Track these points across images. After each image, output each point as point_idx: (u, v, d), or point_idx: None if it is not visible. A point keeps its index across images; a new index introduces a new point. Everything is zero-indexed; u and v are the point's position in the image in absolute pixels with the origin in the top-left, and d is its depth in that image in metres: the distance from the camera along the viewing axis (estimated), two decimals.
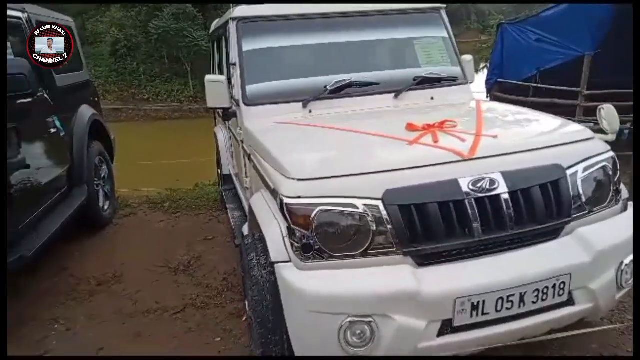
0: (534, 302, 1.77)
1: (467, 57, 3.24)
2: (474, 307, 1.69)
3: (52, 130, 3.40)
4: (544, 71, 6.37)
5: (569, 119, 5.50)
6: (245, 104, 2.73)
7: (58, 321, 2.88)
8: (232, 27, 2.90)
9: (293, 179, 1.80)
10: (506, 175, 1.83)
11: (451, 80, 3.01)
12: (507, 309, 1.74)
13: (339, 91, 2.76)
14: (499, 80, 7.32)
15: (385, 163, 1.85)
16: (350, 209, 1.72)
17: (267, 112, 2.68)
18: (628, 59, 5.74)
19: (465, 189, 1.78)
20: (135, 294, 3.20)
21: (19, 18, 3.34)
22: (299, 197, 1.74)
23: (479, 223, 1.77)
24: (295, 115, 2.65)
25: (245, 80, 2.77)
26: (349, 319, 1.63)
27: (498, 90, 7.45)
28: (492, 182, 1.81)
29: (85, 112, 4.14)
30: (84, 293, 3.23)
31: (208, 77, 2.87)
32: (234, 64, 2.85)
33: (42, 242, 2.96)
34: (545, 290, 1.77)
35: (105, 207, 4.46)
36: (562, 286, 1.79)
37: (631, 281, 1.99)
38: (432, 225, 1.74)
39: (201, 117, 11.29)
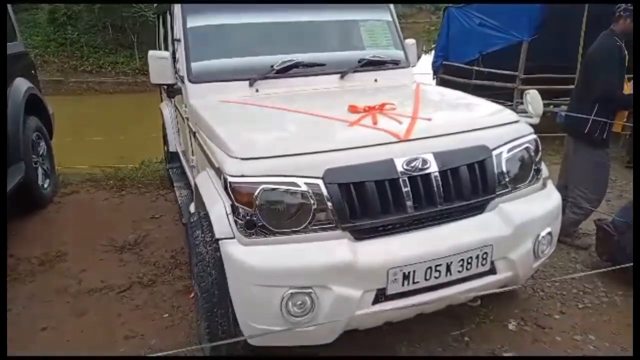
0: (459, 271, 1.94)
1: (410, 41, 3.36)
2: (405, 277, 1.84)
3: None
4: (486, 54, 6.66)
5: (506, 102, 5.86)
6: (190, 81, 2.71)
7: None
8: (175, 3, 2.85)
9: (237, 158, 1.86)
10: (437, 155, 1.97)
11: (394, 63, 3.12)
12: (435, 277, 1.90)
13: (285, 71, 2.80)
14: (444, 62, 7.57)
15: (326, 144, 1.94)
16: (292, 188, 1.80)
17: (213, 89, 2.69)
18: (561, 45, 6.13)
19: (399, 168, 1.91)
20: (79, 273, 3.16)
21: None
22: (243, 176, 1.80)
23: (411, 200, 1.91)
24: (241, 94, 2.67)
25: (190, 57, 2.75)
26: (290, 291, 1.73)
27: (443, 72, 7.72)
28: (425, 161, 1.95)
29: (21, 85, 3.94)
30: (25, 273, 3.15)
31: (151, 53, 2.82)
32: (179, 40, 2.81)
33: None
34: (469, 260, 1.95)
35: (45, 186, 4.30)
36: (484, 256, 1.98)
37: (547, 250, 2.23)
38: (368, 202, 1.86)
39: (148, 91, 10.90)
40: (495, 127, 2.21)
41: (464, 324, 2.50)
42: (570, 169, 3.28)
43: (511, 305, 2.68)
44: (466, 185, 2.01)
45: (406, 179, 1.91)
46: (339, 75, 2.92)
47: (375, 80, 3.01)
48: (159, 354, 2.17)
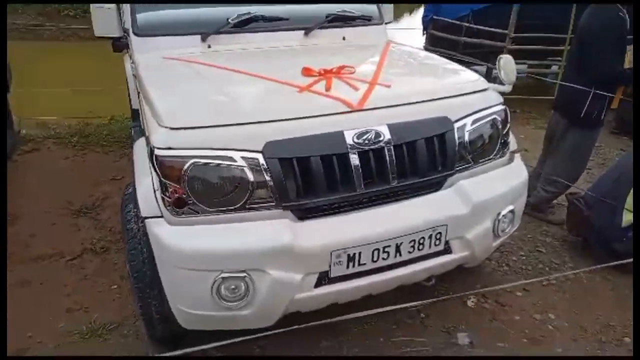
0: (410, 252, 1.81)
1: None
2: (350, 259, 1.71)
3: None
4: (478, 11, 6.31)
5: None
6: (135, 34, 2.46)
7: None
8: None
9: (165, 127, 1.66)
10: (392, 127, 1.79)
11: (366, 20, 2.86)
12: (384, 259, 1.77)
13: (243, 25, 2.55)
14: (435, 17, 7.20)
15: (268, 113, 1.74)
16: (226, 162, 1.62)
17: (161, 44, 2.44)
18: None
19: (349, 141, 1.73)
20: (29, 238, 3.02)
21: None
22: (170, 149, 1.61)
23: (361, 177, 1.75)
24: (192, 50, 2.43)
25: (136, 7, 2.48)
26: (222, 275, 1.59)
27: (433, 28, 7.35)
28: (378, 134, 1.77)
29: None
30: None
31: (94, 4, 2.54)
32: None
33: None
34: (421, 241, 1.82)
35: None
36: (438, 236, 1.85)
37: (508, 229, 2.10)
38: (313, 179, 1.69)
39: None
40: (459, 96, 2.02)
41: (421, 299, 2.41)
42: (555, 149, 3.08)
43: (472, 281, 2.59)
44: (423, 160, 1.84)
45: (356, 153, 1.74)
46: (303, 32, 2.67)
47: (344, 38, 2.77)
48: (160, 355, 2.05)
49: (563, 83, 2.94)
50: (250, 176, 1.63)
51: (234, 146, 1.63)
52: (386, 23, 3.07)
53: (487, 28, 6.05)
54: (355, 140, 1.74)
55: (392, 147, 1.78)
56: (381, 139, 1.77)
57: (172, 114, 1.70)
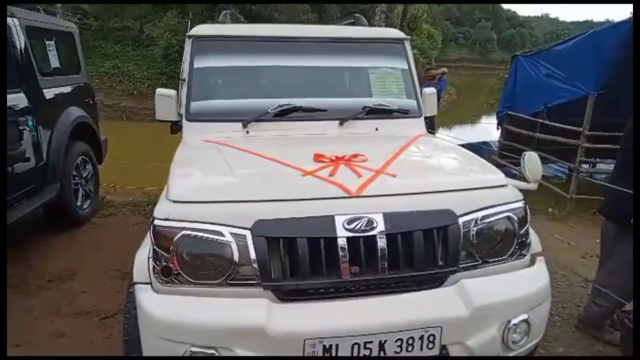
0: (397, 352, 1.68)
1: (429, 90, 3.18)
2: (326, 350, 1.63)
3: (23, 128, 3.57)
4: (552, 107, 6.12)
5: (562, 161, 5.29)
6: (187, 119, 2.78)
7: None
8: (188, 44, 2.97)
9: (169, 200, 1.81)
10: (387, 216, 1.77)
11: (402, 113, 2.94)
12: (366, 355, 1.66)
13: (283, 114, 2.76)
14: (509, 112, 7.11)
15: (263, 193, 1.83)
16: (214, 237, 1.70)
17: (207, 129, 2.71)
18: (627, 100, 5.44)
19: (339, 227, 1.73)
20: (79, 294, 3.29)
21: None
22: (167, 219, 1.74)
23: (348, 264, 1.71)
24: (231, 135, 2.66)
25: (191, 96, 2.82)
26: (192, 349, 1.60)
27: (508, 123, 7.23)
28: (370, 222, 1.75)
29: (72, 113, 4.33)
30: (33, 287, 3.35)
31: (158, 91, 2.94)
32: (184, 80, 2.91)
33: None
34: (410, 341, 1.68)
35: (85, 206, 4.62)
36: (431, 338, 1.70)
37: (522, 342, 1.87)
38: (298, 261, 1.69)
39: None
40: (468, 190, 1.94)
41: None
42: (607, 258, 2.77)
43: None
44: (419, 253, 1.76)
45: (345, 239, 1.72)
46: (338, 122, 2.82)
47: (376, 129, 2.86)
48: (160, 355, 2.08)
49: (607, 184, 2.68)
50: (236, 252, 1.69)
51: (224, 221, 1.71)
52: (429, 117, 3.13)
53: (560, 125, 5.80)
54: (346, 225, 1.73)
55: (384, 236, 1.74)
56: (374, 226, 1.75)
57: (178, 188, 1.86)
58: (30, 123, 3.64)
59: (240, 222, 1.71)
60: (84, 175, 4.62)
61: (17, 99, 3.54)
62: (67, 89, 4.40)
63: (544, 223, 5.27)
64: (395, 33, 3.29)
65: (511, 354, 1.86)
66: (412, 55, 3.22)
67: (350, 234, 1.73)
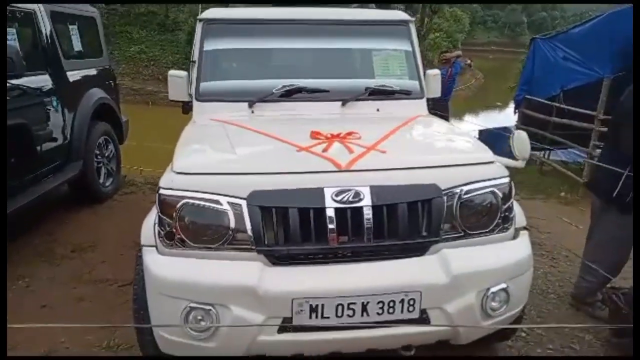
0: (378, 314, 1.81)
1: (433, 72, 3.24)
2: (313, 309, 1.77)
3: (48, 108, 3.80)
4: (568, 91, 6.05)
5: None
6: (197, 100, 2.93)
7: (23, 278, 3.25)
8: (199, 28, 3.11)
9: (174, 171, 1.97)
10: (374, 189, 1.88)
11: (404, 94, 3.02)
12: (349, 316, 1.79)
13: (287, 95, 2.88)
14: (527, 96, 7.04)
15: (259, 166, 1.97)
16: (213, 205, 1.85)
17: (215, 109, 2.86)
18: None
19: (327, 198, 1.86)
20: (99, 264, 3.53)
21: (32, 9, 3.76)
22: (170, 189, 1.90)
23: (335, 232, 1.84)
24: (237, 114, 2.80)
25: (201, 77, 2.97)
26: (191, 304, 1.77)
27: (526, 107, 7.17)
28: (357, 194, 1.87)
29: (94, 94, 4.55)
30: (57, 256, 3.61)
31: (171, 72, 3.11)
32: (194, 62, 3.06)
33: (21, 204, 3.35)
34: (391, 304, 1.81)
35: (107, 184, 4.88)
36: (411, 302, 1.82)
37: (502, 309, 1.97)
38: (289, 228, 1.84)
39: None
40: (454, 166, 2.04)
41: None
42: (593, 231, 2.82)
43: None
44: (403, 224, 1.88)
45: (333, 210, 1.85)
46: (340, 103, 2.92)
47: (377, 110, 2.95)
48: (159, 355, 2.29)
49: (591, 161, 2.73)
50: (232, 219, 1.84)
51: (222, 191, 1.87)
52: (432, 98, 3.20)
53: (575, 108, 5.74)
54: (334, 197, 1.86)
55: (370, 208, 1.86)
56: (361, 198, 1.87)
57: (181, 161, 2.02)
58: (55, 104, 3.86)
59: (237, 192, 1.86)
60: (106, 155, 4.87)
61: (43, 81, 3.77)
62: (89, 72, 4.62)
63: (555, 206, 5.28)
64: (400, 15, 3.35)
65: (490, 322, 1.98)
66: (421, 38, 3.28)
67: (338, 205, 1.85)
